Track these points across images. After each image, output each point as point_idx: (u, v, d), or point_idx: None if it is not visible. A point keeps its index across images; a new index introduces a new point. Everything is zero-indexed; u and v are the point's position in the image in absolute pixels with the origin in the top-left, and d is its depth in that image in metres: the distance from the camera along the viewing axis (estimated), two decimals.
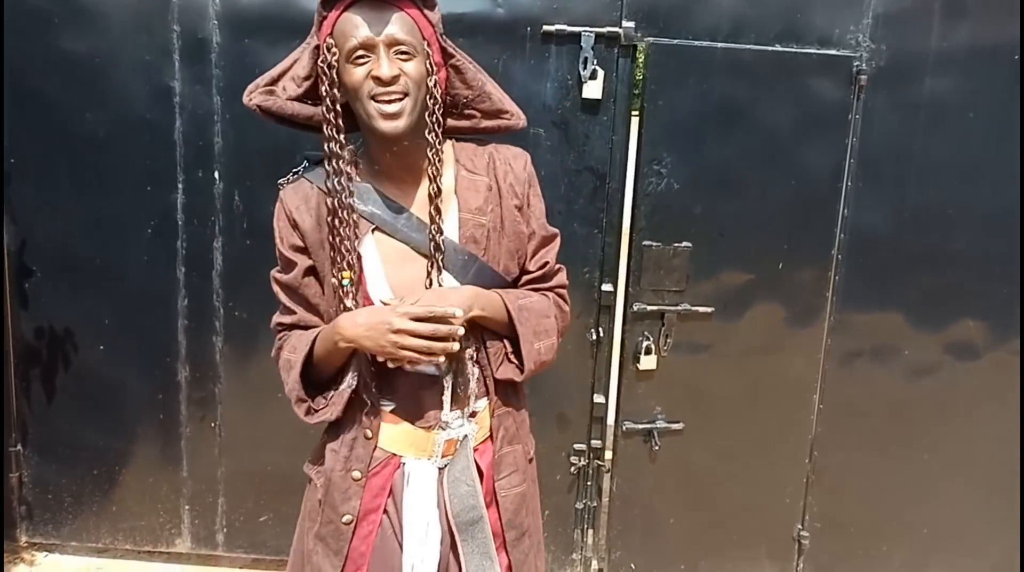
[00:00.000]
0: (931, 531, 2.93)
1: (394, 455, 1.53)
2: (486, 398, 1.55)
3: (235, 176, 2.71)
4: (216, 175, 2.71)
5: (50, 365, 2.86)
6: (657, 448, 2.79)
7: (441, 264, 1.46)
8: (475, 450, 1.54)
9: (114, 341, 2.84)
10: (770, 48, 2.57)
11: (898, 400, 2.83)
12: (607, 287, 2.76)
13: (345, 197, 1.43)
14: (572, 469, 2.89)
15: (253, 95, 1.46)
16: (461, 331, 1.37)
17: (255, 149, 2.68)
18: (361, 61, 1.35)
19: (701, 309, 2.71)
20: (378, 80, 1.34)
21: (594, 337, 2.79)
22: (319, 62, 1.40)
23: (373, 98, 1.36)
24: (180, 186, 2.72)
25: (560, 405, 2.85)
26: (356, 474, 1.51)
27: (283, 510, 2.93)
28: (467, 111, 1.53)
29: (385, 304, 1.39)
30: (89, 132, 2.69)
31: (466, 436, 1.53)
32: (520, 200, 1.55)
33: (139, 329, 2.83)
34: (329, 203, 1.44)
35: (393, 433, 1.52)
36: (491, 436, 1.57)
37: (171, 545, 3.01)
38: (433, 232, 1.44)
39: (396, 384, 1.50)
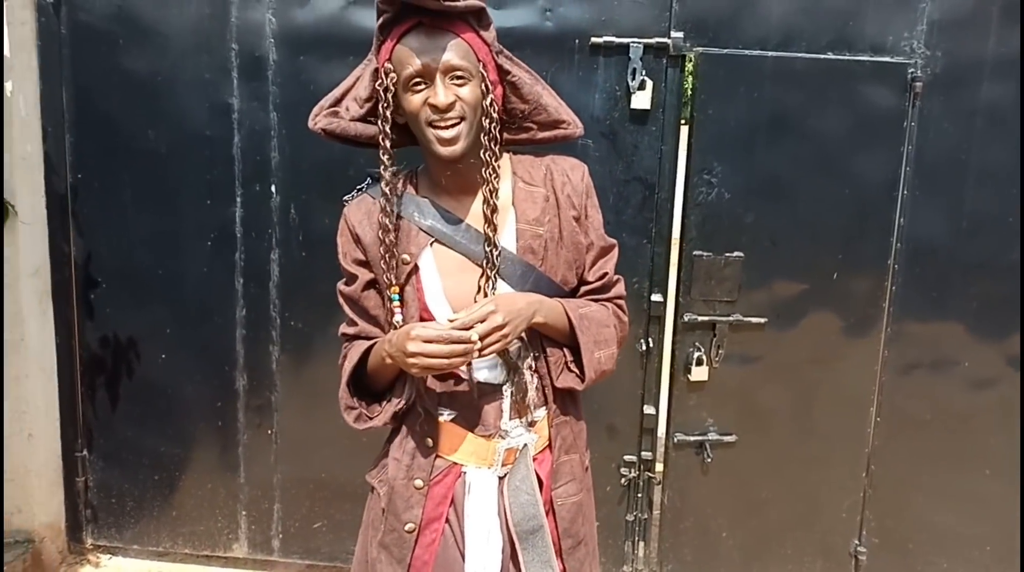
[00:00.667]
0: (994, 548, 2.85)
1: (455, 464, 1.55)
2: (545, 407, 1.56)
3: (291, 190, 2.77)
4: (273, 189, 2.78)
5: (114, 373, 2.96)
6: (709, 460, 2.76)
7: (495, 279, 1.47)
8: (534, 459, 1.55)
9: (175, 350, 2.93)
10: (822, 56, 2.55)
11: (958, 412, 2.76)
12: (657, 297, 2.75)
13: (394, 215, 1.47)
14: (622, 480, 2.88)
15: (318, 119, 1.50)
16: (476, 354, 1.36)
17: (310, 164, 2.74)
18: (418, 88, 1.39)
19: (754, 319, 2.68)
20: (434, 108, 1.38)
21: (644, 348, 2.78)
22: (376, 85, 1.44)
23: (431, 124, 1.39)
24: (238, 200, 2.80)
25: (610, 416, 2.85)
26: (418, 483, 1.54)
27: (337, 517, 2.98)
28: (524, 124, 1.55)
29: (451, 321, 1.40)
30: (151, 148, 2.78)
31: (526, 445, 1.54)
32: (578, 211, 1.56)
33: (199, 339, 2.91)
34: (381, 220, 1.47)
35: (454, 442, 1.54)
36: (550, 445, 1.57)
37: (228, 550, 3.08)
38: (488, 248, 1.45)
39: (456, 393, 1.52)
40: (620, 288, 1.67)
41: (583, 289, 1.61)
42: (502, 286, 1.49)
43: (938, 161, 2.60)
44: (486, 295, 1.47)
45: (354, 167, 2.69)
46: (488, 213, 1.45)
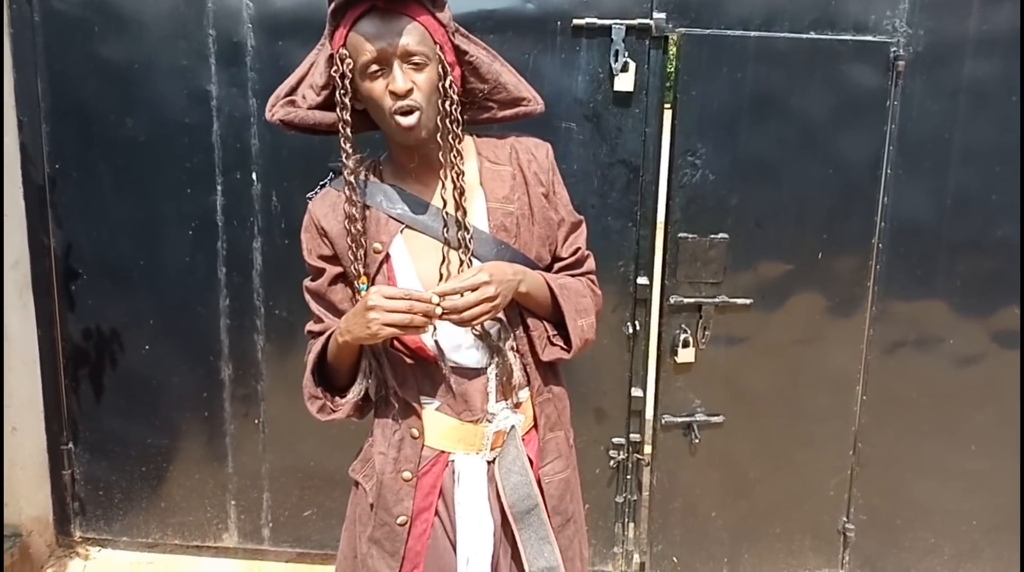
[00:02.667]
0: (980, 522, 2.88)
1: (442, 452, 1.55)
2: (528, 387, 1.56)
3: (272, 177, 2.74)
4: (254, 176, 2.75)
5: (98, 365, 2.93)
6: (697, 441, 2.77)
7: (471, 261, 1.46)
8: (522, 439, 1.56)
9: (158, 341, 2.91)
10: (804, 36, 2.53)
11: (943, 390, 2.78)
12: (643, 280, 2.74)
13: (361, 204, 1.46)
14: (611, 463, 2.89)
15: (275, 110, 1.48)
16: (439, 311, 1.35)
17: (291, 151, 2.71)
18: (376, 74, 1.37)
19: (739, 301, 2.68)
20: (394, 94, 1.36)
21: (630, 331, 2.78)
22: (333, 72, 1.42)
23: (391, 112, 1.38)
24: (219, 188, 2.77)
25: (597, 399, 2.85)
26: (407, 475, 1.53)
27: (327, 505, 2.98)
28: (485, 103, 1.53)
29: (438, 292, 1.39)
30: (129, 137, 2.74)
31: (513, 427, 1.54)
32: (546, 187, 1.56)
33: (182, 329, 2.89)
34: (347, 209, 1.46)
35: (440, 430, 1.54)
36: (535, 424, 1.58)
37: (218, 540, 3.07)
38: (460, 231, 1.44)
39: (438, 380, 1.52)
40: (591, 263, 1.69)
41: (557, 265, 1.62)
42: (478, 266, 1.48)
43: (921, 140, 2.60)
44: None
45: (335, 153, 2.65)
46: (456, 196, 1.44)
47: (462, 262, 1.45)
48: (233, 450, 2.98)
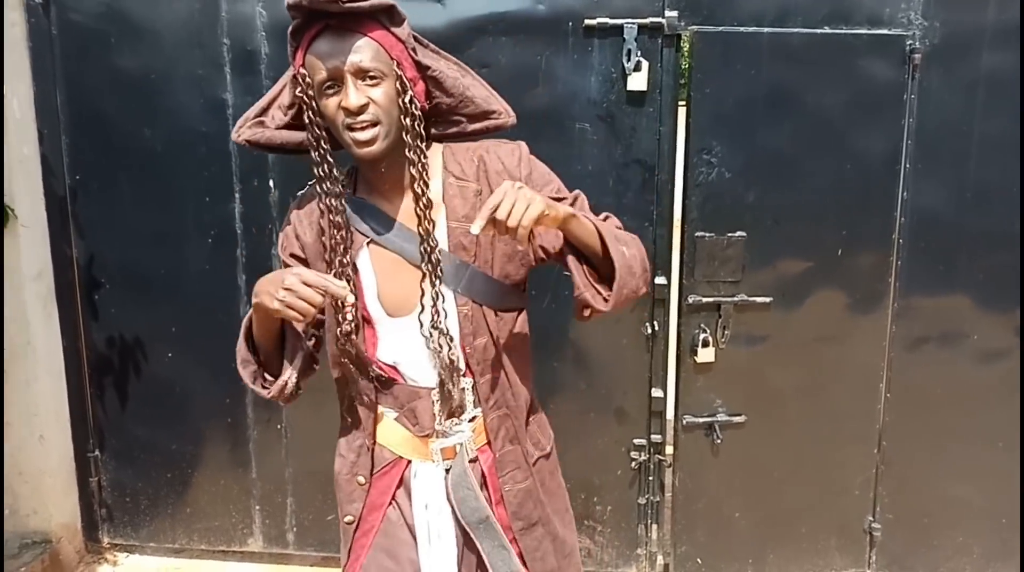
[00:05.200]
0: (1010, 520, 2.83)
1: (401, 457, 1.60)
2: (480, 406, 1.55)
3: (289, 184, 2.76)
4: (271, 183, 2.77)
5: (122, 373, 2.97)
6: (719, 441, 2.75)
7: (439, 278, 1.45)
8: (479, 451, 1.57)
9: (181, 348, 2.94)
10: (819, 31, 2.51)
11: (968, 386, 2.74)
12: (660, 280, 2.73)
13: (336, 217, 1.46)
14: (633, 464, 2.88)
15: (242, 130, 1.50)
16: (351, 299, 1.37)
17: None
18: (331, 92, 1.38)
19: (759, 299, 2.66)
20: (347, 111, 1.37)
21: (649, 331, 2.76)
22: (296, 92, 1.43)
23: (347, 127, 1.38)
24: (237, 196, 2.79)
25: (618, 400, 2.84)
26: (360, 479, 1.60)
27: None
28: (452, 118, 1.53)
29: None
30: (148, 146, 2.78)
31: (461, 444, 1.55)
32: None
33: (204, 335, 2.91)
34: (323, 223, 1.48)
35: (397, 439, 1.58)
36: (490, 439, 1.57)
37: (244, 545, 3.10)
38: (423, 246, 1.44)
39: (396, 393, 1.56)
40: (615, 221, 1.62)
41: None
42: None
43: (940, 133, 2.56)
44: (430, 297, 1.45)
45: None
46: (421, 212, 1.43)
47: (428, 279, 1.45)
48: (257, 456, 3.00)
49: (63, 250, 2.89)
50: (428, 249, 1.44)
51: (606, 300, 1.46)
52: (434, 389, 1.52)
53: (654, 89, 2.60)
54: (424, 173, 1.44)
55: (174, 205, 2.83)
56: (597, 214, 1.60)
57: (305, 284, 1.33)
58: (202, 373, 2.95)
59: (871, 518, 2.86)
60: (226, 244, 2.83)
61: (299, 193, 1.59)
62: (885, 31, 2.50)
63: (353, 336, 1.49)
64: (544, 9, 2.56)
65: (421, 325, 1.48)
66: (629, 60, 2.55)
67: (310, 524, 3.04)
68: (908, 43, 2.49)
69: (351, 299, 1.37)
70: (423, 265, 1.45)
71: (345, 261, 1.47)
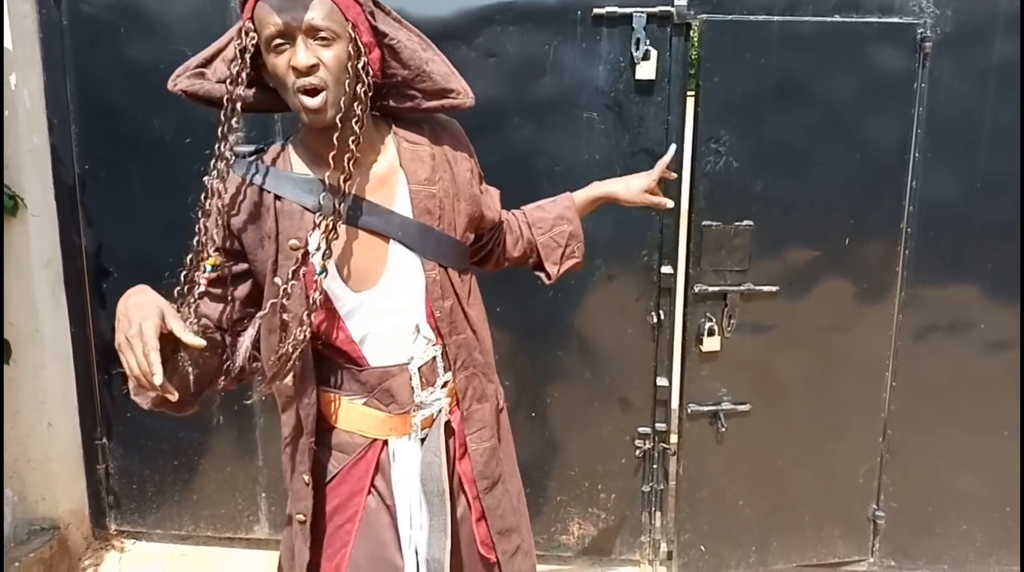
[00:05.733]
0: (1014, 509, 2.84)
1: (376, 439, 1.55)
2: (451, 370, 1.56)
3: None
4: None
5: None
6: (724, 430, 2.76)
7: (337, 230, 1.40)
8: (450, 412, 1.59)
9: None
10: (829, 19, 2.50)
11: (974, 375, 2.75)
12: (667, 269, 2.74)
13: (221, 181, 1.42)
14: (637, 453, 2.89)
15: (179, 80, 1.42)
16: (158, 380, 1.21)
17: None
18: (281, 49, 1.31)
19: (765, 288, 2.66)
20: (295, 70, 1.30)
21: (655, 320, 2.77)
22: (234, 44, 1.36)
23: (297, 90, 1.32)
24: None
25: (623, 389, 2.85)
26: (306, 478, 1.53)
27: None
28: (408, 92, 1.45)
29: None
30: (157, 137, 2.78)
31: (440, 410, 1.56)
32: (470, 163, 1.57)
33: None
34: (213, 186, 1.42)
35: (370, 424, 1.54)
36: (458, 399, 1.58)
37: (250, 532, 3.12)
38: (336, 198, 1.39)
39: (363, 379, 1.52)
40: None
41: (497, 227, 1.73)
42: (404, 251, 1.46)
43: (950, 122, 2.56)
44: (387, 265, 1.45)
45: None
46: (342, 180, 1.38)
47: (329, 232, 1.39)
48: (263, 443, 3.02)
49: (72, 239, 2.90)
50: (343, 202, 1.39)
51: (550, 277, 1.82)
52: (409, 363, 1.50)
53: (663, 78, 2.60)
54: (358, 142, 1.37)
55: (182, 194, 2.80)
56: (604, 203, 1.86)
57: (144, 354, 1.21)
58: None
59: (875, 506, 2.87)
60: None
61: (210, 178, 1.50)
62: (896, 19, 2.50)
63: (300, 348, 1.41)
64: None
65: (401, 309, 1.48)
66: (638, 49, 2.54)
67: None
68: (919, 31, 2.49)
69: (158, 380, 1.21)
70: (331, 217, 1.39)
71: (293, 244, 1.41)
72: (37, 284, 2.85)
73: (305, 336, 1.40)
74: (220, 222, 1.44)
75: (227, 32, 1.43)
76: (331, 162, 1.36)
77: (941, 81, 2.54)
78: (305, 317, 1.40)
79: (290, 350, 1.40)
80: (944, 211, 2.63)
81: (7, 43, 2.66)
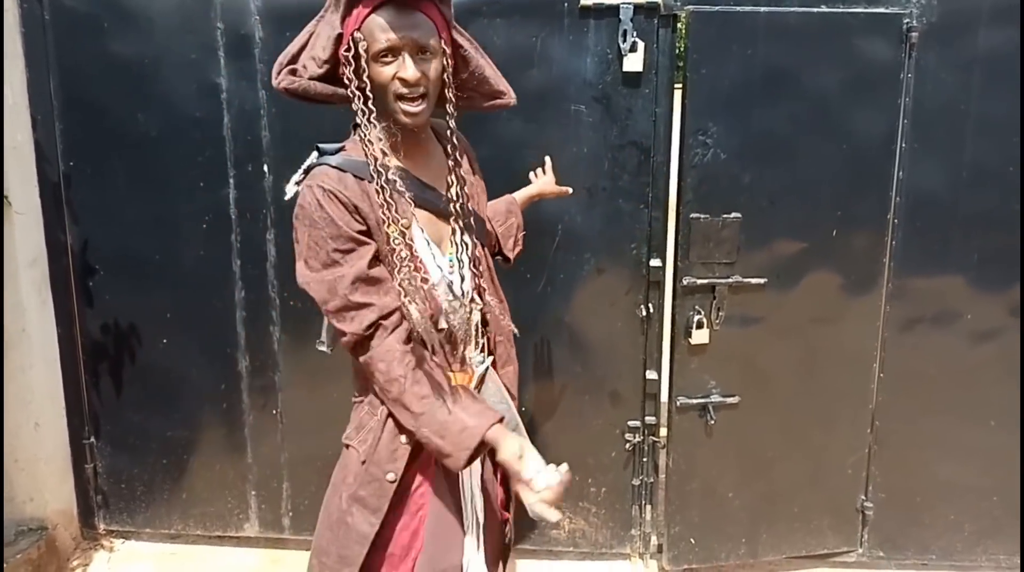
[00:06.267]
0: (1001, 499, 2.86)
1: None
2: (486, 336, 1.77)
3: (283, 169, 2.75)
4: (265, 169, 2.76)
5: (117, 359, 2.96)
6: (713, 422, 2.77)
7: (465, 228, 1.64)
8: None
9: (176, 334, 2.93)
10: (815, 9, 2.51)
11: (961, 365, 2.76)
12: (655, 262, 2.74)
13: (388, 172, 1.52)
14: (627, 446, 2.89)
15: (280, 79, 1.57)
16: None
17: (301, 142, 2.68)
18: (387, 60, 1.49)
19: (753, 281, 2.67)
20: (403, 82, 1.48)
21: (644, 313, 2.77)
22: (344, 51, 1.51)
23: (399, 97, 1.50)
24: (231, 181, 2.78)
25: (612, 382, 2.85)
26: (403, 439, 1.63)
27: None
28: (468, 92, 1.67)
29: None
30: (142, 132, 2.76)
31: (488, 367, 1.75)
32: (471, 160, 1.81)
33: (199, 322, 2.90)
34: (377, 183, 1.51)
35: None
36: (494, 363, 1.79)
37: (240, 530, 3.10)
38: (456, 201, 1.63)
39: (440, 346, 1.66)
40: None
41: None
42: (458, 229, 1.64)
43: (936, 112, 2.57)
44: (458, 247, 1.64)
45: (339, 139, 2.67)
46: (458, 171, 1.63)
47: (460, 233, 1.63)
48: (252, 441, 3.00)
49: (57, 237, 2.87)
50: (458, 206, 1.63)
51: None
52: (471, 330, 1.69)
53: (650, 70, 2.60)
54: (457, 138, 1.61)
55: (168, 191, 2.81)
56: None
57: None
58: (197, 359, 2.94)
59: (863, 497, 2.88)
60: (220, 230, 2.82)
61: (302, 177, 1.58)
62: (882, 9, 2.51)
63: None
64: None
65: (461, 278, 1.65)
66: (625, 41, 2.54)
67: (306, 509, 3.05)
68: (905, 21, 2.50)
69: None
70: (457, 220, 1.62)
71: (402, 222, 1.53)
72: (23, 283, 2.83)
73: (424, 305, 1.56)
74: (394, 204, 1.55)
75: (305, 29, 1.57)
76: (450, 178, 1.63)
77: (927, 71, 2.55)
78: (420, 287, 1.55)
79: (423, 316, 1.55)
80: (931, 202, 2.64)
81: None
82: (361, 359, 1.57)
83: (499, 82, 1.67)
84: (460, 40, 1.58)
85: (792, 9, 2.51)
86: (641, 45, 2.55)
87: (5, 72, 2.70)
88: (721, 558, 2.92)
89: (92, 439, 3.05)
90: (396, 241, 1.51)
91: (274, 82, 1.57)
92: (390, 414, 1.62)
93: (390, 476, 1.63)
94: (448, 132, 1.60)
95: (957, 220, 2.65)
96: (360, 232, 1.52)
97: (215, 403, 2.98)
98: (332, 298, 1.52)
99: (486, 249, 1.81)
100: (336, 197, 1.51)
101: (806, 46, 2.52)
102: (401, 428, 1.61)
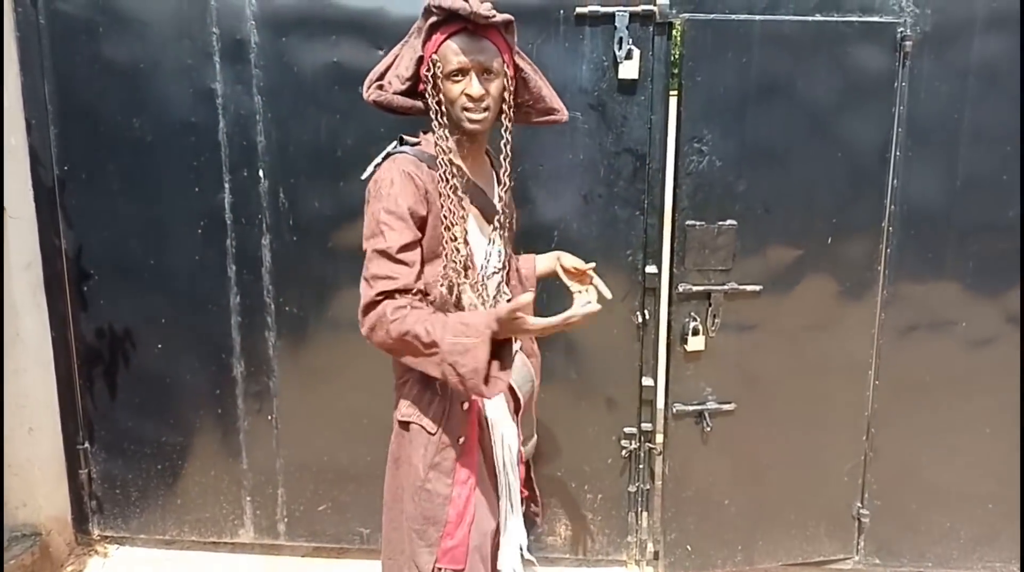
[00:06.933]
0: (996, 506, 2.86)
1: None
2: None
3: (279, 174, 2.75)
4: (260, 174, 2.76)
5: (111, 364, 2.95)
6: (709, 429, 2.76)
7: (506, 226, 1.94)
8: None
9: (171, 339, 2.92)
10: (810, 18, 2.52)
11: (956, 373, 2.76)
12: (651, 269, 2.74)
13: (453, 176, 1.79)
14: (623, 453, 2.89)
15: (370, 92, 1.85)
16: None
17: (296, 147, 2.72)
18: (457, 79, 1.75)
19: (748, 287, 2.67)
20: (470, 98, 1.75)
21: (640, 320, 2.77)
22: (424, 71, 1.79)
23: (465, 109, 1.77)
24: (227, 186, 2.78)
25: (608, 389, 2.85)
26: (465, 405, 1.87)
27: (341, 499, 2.99)
28: (525, 109, 1.92)
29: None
30: (137, 137, 2.76)
31: (518, 348, 1.97)
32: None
33: (194, 327, 2.90)
34: (443, 182, 1.78)
35: None
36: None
37: (235, 536, 3.09)
38: (501, 204, 1.91)
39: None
40: None
41: None
42: (497, 231, 1.90)
43: (930, 121, 2.58)
44: (492, 241, 1.89)
45: (341, 149, 2.68)
46: (506, 179, 1.89)
47: (498, 230, 1.89)
48: (247, 446, 3.00)
49: (52, 241, 2.87)
50: (503, 210, 1.92)
51: None
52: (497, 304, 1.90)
53: (645, 77, 2.60)
54: (511, 149, 1.83)
55: (163, 195, 2.81)
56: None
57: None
58: (192, 364, 2.93)
59: (859, 504, 2.88)
60: (216, 234, 2.82)
61: (382, 160, 1.83)
62: (876, 18, 2.51)
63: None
64: None
65: (496, 270, 1.91)
66: (620, 48, 2.55)
67: (301, 515, 3.04)
68: (899, 30, 2.51)
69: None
70: (497, 218, 1.90)
71: (461, 207, 1.79)
72: (17, 287, 2.82)
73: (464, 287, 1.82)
74: (458, 201, 1.81)
75: (391, 51, 1.86)
76: (498, 178, 1.93)
77: (921, 80, 2.55)
78: (466, 274, 1.82)
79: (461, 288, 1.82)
80: (925, 209, 2.65)
81: None
82: (364, 330, 1.73)
83: (554, 100, 1.92)
84: (521, 64, 1.84)
85: (787, 18, 2.51)
86: (637, 52, 2.56)
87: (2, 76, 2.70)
88: (717, 565, 2.92)
89: (86, 444, 3.04)
90: (454, 223, 1.77)
91: (365, 95, 1.84)
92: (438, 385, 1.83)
93: (461, 439, 1.85)
94: (503, 143, 1.82)
95: (952, 228, 2.66)
96: (417, 216, 1.74)
97: (210, 408, 2.97)
98: (365, 267, 1.75)
99: (510, 247, 2.03)
100: (412, 179, 1.75)
101: (801, 54, 2.52)
102: (449, 390, 1.82)
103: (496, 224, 1.90)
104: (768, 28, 2.51)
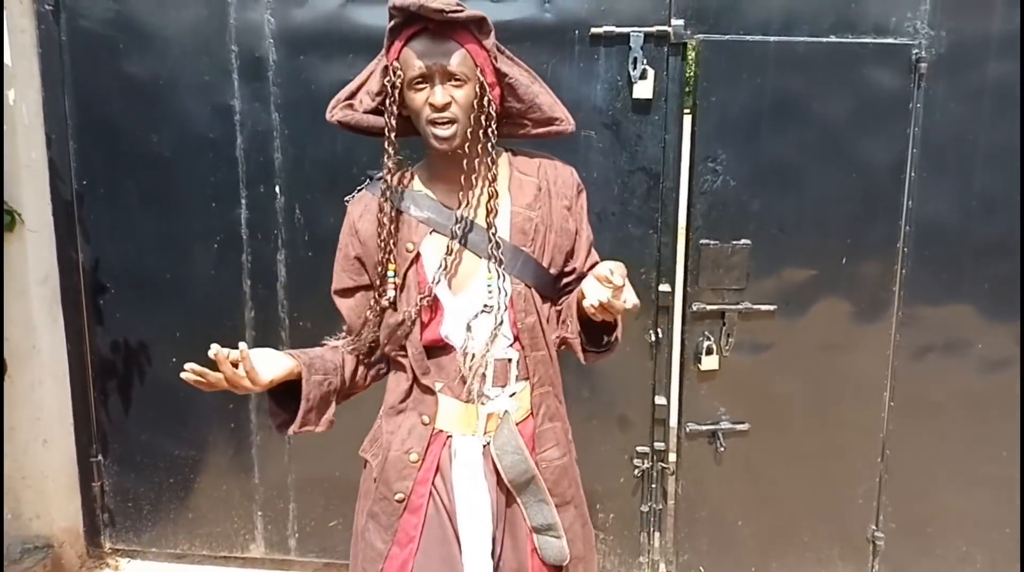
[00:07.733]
0: (1013, 530, 2.83)
1: (440, 432, 1.64)
2: (526, 381, 1.65)
3: (295, 190, 2.77)
4: (277, 190, 2.78)
5: (126, 378, 2.97)
6: (722, 449, 2.75)
7: (500, 260, 1.58)
8: (516, 424, 1.64)
9: (185, 353, 2.88)
10: (824, 40, 2.52)
11: (972, 395, 2.74)
12: (664, 288, 2.74)
13: (396, 199, 1.60)
14: (636, 472, 2.88)
15: (335, 111, 1.63)
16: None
17: (313, 163, 2.74)
18: (420, 87, 1.52)
19: (763, 307, 2.67)
20: (432, 107, 1.51)
21: (653, 338, 2.77)
22: (385, 82, 1.57)
23: (430, 122, 1.53)
24: (243, 202, 2.80)
25: (621, 408, 2.84)
26: (413, 457, 1.63)
27: (352, 515, 2.97)
28: (520, 121, 1.66)
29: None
30: (155, 152, 2.79)
31: (507, 411, 1.63)
32: (568, 202, 1.69)
33: (208, 341, 2.86)
34: (381, 204, 1.59)
35: (442, 410, 1.64)
36: (532, 413, 1.67)
37: (246, 551, 3.09)
38: (491, 231, 1.58)
39: (445, 364, 1.63)
40: None
41: (576, 274, 1.72)
42: (496, 267, 1.61)
43: (945, 142, 2.57)
44: (498, 276, 1.59)
45: (357, 166, 2.69)
46: (488, 202, 1.58)
47: (494, 262, 1.58)
48: (259, 461, 3.00)
49: (69, 254, 2.90)
50: (495, 237, 1.58)
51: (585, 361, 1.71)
52: (487, 354, 1.61)
53: (660, 97, 2.61)
54: (495, 166, 1.58)
55: (180, 210, 2.83)
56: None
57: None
58: None
59: (874, 527, 2.86)
60: (232, 250, 2.84)
61: (350, 197, 1.70)
62: (891, 40, 2.52)
63: (417, 318, 1.61)
64: (550, 17, 2.58)
65: (487, 308, 1.60)
66: (635, 68, 2.56)
67: (312, 530, 3.04)
68: (914, 52, 2.51)
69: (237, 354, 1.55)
70: (489, 250, 1.58)
71: (407, 247, 1.60)
72: (34, 300, 2.85)
73: (413, 322, 1.60)
74: (392, 234, 1.61)
75: (366, 68, 1.64)
76: (461, 197, 1.59)
77: (936, 101, 2.55)
78: (414, 312, 1.60)
79: (402, 326, 1.61)
80: (940, 230, 2.64)
81: (6, 58, 2.67)
82: None
83: (554, 109, 1.64)
84: (506, 69, 1.58)
85: (801, 39, 2.52)
86: (651, 72, 2.57)
87: (22, 91, 2.73)
88: None
89: (99, 457, 3.06)
90: (388, 254, 1.60)
91: (328, 115, 1.63)
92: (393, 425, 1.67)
93: (398, 496, 1.63)
94: (484, 159, 1.58)
95: (967, 249, 2.65)
96: (351, 258, 1.66)
97: (223, 423, 2.98)
98: None
99: (533, 289, 1.64)
100: (348, 220, 1.67)
101: (815, 75, 2.53)
102: (413, 444, 1.65)
103: (493, 256, 1.58)
104: (783, 49, 2.52)
